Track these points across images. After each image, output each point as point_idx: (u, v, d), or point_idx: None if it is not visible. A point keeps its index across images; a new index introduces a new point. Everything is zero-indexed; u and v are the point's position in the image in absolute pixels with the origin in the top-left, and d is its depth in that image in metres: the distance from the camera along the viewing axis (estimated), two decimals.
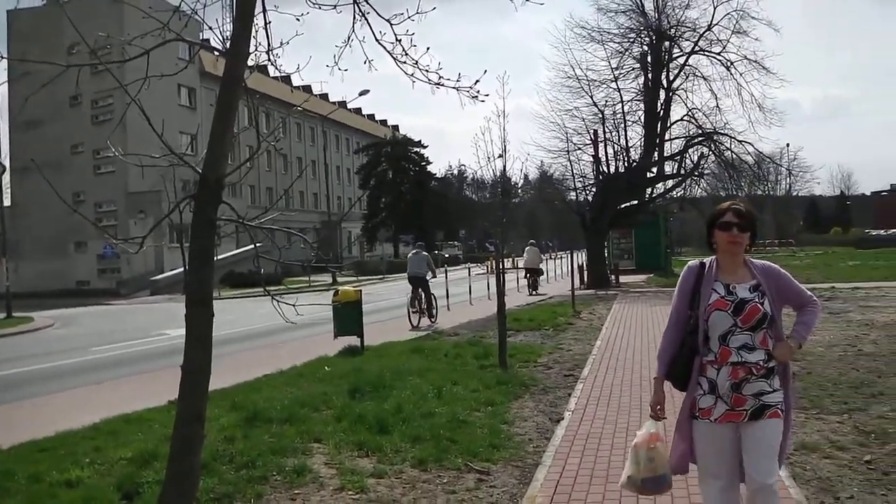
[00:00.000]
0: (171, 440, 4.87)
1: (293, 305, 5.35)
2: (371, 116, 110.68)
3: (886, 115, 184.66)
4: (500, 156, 13.67)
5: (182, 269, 4.86)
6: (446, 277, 24.37)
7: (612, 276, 36.25)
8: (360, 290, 16.42)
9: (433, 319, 21.93)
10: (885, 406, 8.88)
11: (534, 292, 32.25)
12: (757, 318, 4.25)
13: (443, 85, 5.47)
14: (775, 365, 4.34)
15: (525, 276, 34.12)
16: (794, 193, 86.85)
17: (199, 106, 63.62)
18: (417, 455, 7.45)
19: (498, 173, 14.37)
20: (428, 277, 22.05)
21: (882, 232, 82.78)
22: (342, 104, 70.30)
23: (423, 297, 21.88)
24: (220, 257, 33.88)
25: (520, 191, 50.58)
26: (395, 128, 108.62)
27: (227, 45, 4.84)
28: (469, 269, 33.37)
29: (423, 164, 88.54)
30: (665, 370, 4.53)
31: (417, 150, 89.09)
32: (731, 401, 4.28)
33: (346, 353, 14.50)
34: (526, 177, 62.86)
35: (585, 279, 35.23)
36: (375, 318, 22.09)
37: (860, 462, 6.89)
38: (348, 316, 15.45)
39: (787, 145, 39.27)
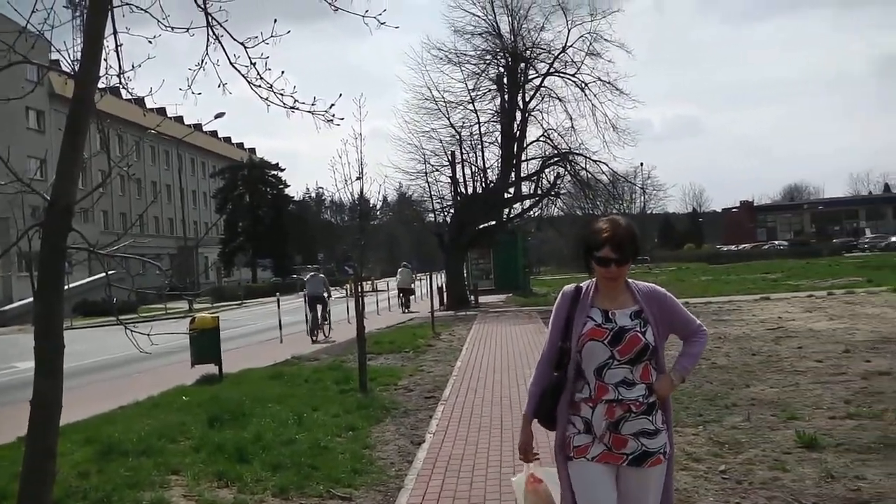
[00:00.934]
0: (21, 478, 4.68)
1: (147, 335, 5.23)
2: (228, 139, 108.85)
3: (733, 132, 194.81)
4: (358, 178, 13.70)
5: (31, 299, 4.69)
6: (306, 302, 24.23)
7: (472, 297, 36.74)
8: (218, 317, 16.13)
9: (328, 335, 24.20)
10: (738, 417, 9.30)
11: (407, 310, 33.81)
12: (637, 350, 3.77)
13: (297, 109, 5.48)
14: (657, 400, 3.86)
15: (399, 296, 35.53)
16: (649, 211, 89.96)
17: (48, 129, 60.84)
18: (279, 483, 7.36)
19: (356, 196, 14.35)
20: (326, 296, 24.65)
21: (733, 247, 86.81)
22: (197, 127, 68.98)
23: (319, 314, 24.30)
24: (71, 285, 32.62)
25: (378, 213, 50.74)
26: (253, 151, 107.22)
27: (76, 67, 4.73)
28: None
29: (281, 187, 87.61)
30: (534, 408, 4.05)
31: (275, 173, 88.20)
32: (610, 441, 3.81)
33: (204, 382, 14.18)
34: (385, 199, 63.22)
35: (445, 300, 35.59)
36: (234, 344, 21.78)
37: (715, 472, 7.18)
38: (206, 343, 15.12)
39: (641, 164, 41.06)
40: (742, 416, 9.32)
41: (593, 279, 3.97)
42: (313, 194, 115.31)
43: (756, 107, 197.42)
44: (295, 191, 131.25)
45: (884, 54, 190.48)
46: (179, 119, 66.29)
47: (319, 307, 24.27)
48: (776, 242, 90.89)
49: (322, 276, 25.50)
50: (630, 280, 3.95)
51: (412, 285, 36.85)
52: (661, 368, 3.89)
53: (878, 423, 8.56)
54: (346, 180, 13.60)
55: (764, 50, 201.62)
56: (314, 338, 23.44)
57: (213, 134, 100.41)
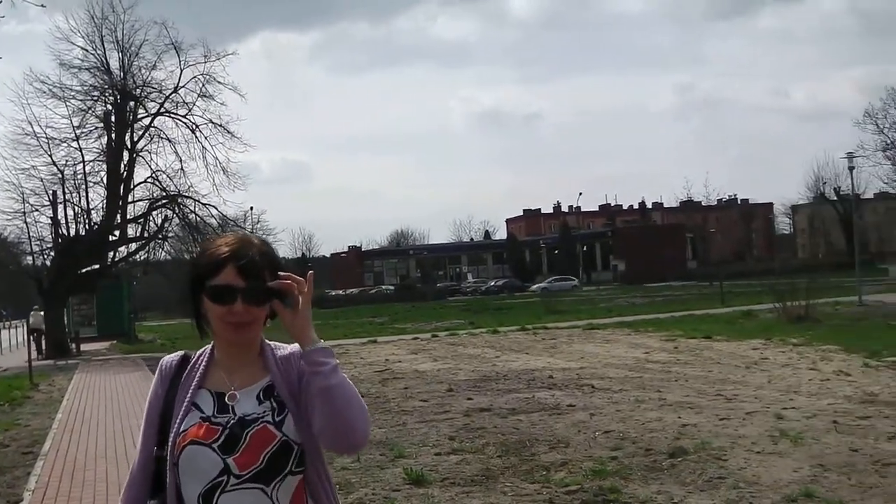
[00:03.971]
0: None
1: None
2: None
3: (342, 179, 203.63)
4: None
5: None
6: None
7: (73, 345, 35.68)
8: None
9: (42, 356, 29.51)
10: (348, 458, 9.17)
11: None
12: (269, 454, 2.27)
13: None
14: None
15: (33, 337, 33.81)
16: None
17: None
18: None
19: None
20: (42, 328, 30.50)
21: (341, 292, 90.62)
22: None
23: (41, 342, 30.05)
24: None
25: None
26: None
27: None
28: None
29: None
30: None
31: None
32: None
33: None
34: None
35: (44, 349, 34.32)
36: None
37: None
38: None
39: (251, 208, 42.10)
40: (352, 457, 9.20)
41: (210, 345, 2.49)
42: None
43: (363, 154, 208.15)
44: None
45: (478, 111, 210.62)
46: None
47: (41, 337, 29.53)
48: (383, 287, 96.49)
49: (42, 312, 28.84)
50: (270, 342, 2.49)
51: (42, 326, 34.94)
52: (319, 490, 2.41)
53: (480, 456, 9.49)
54: None
55: (369, 101, 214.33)
56: (33, 357, 24.24)
57: None
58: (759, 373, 15.27)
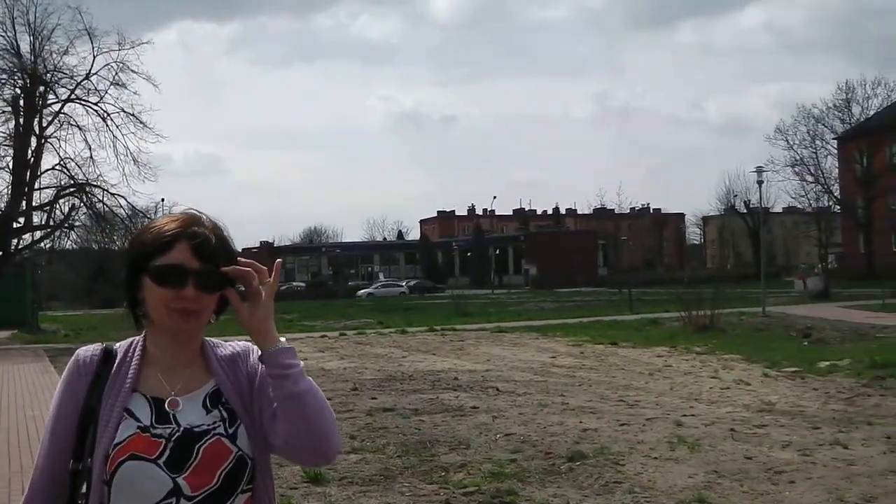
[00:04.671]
0: None
1: None
2: None
3: (255, 173, 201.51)
4: None
5: None
6: None
7: None
8: None
9: None
10: None
11: None
12: (224, 474, 1.97)
13: None
14: None
15: None
16: None
17: None
18: None
19: None
20: None
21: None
22: None
23: None
24: None
25: None
26: None
27: None
28: None
29: None
30: None
31: None
32: None
33: None
34: None
35: None
36: None
37: None
38: None
39: (163, 200, 41.34)
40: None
41: (139, 337, 2.12)
42: None
43: (279, 150, 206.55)
44: None
45: (396, 111, 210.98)
46: None
47: None
48: (294, 283, 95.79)
49: None
50: (208, 339, 2.15)
51: None
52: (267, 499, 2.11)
53: (380, 456, 9.51)
54: None
55: (288, 96, 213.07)
56: None
57: None
58: (661, 380, 15.55)
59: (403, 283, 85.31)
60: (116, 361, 2.05)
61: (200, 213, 2.09)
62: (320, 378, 17.06)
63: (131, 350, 2.08)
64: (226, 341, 2.18)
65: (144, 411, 1.99)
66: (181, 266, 1.96)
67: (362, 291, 79.37)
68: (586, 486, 7.94)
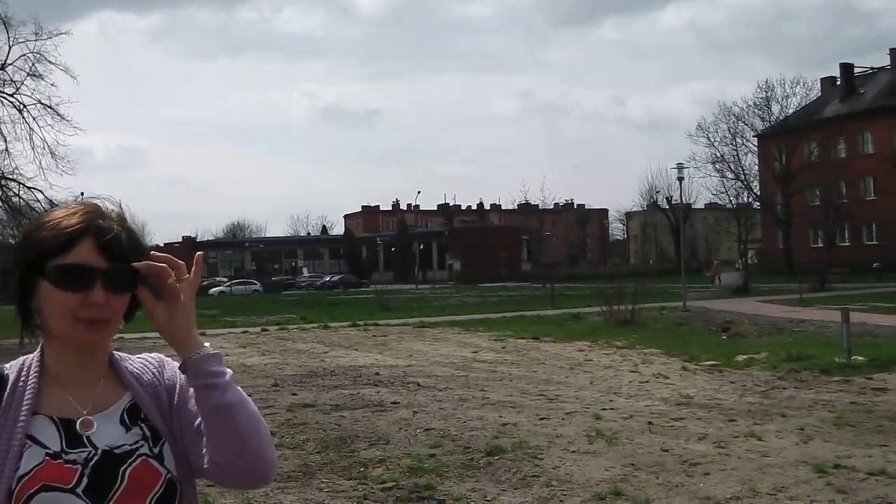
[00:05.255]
0: None
1: None
2: None
3: (178, 167, 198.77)
4: None
5: None
6: None
7: None
8: None
9: None
10: None
11: None
12: (154, 499, 1.74)
13: None
14: None
15: None
16: None
17: None
18: None
19: None
20: None
21: None
22: None
23: None
24: None
25: None
26: None
27: None
28: None
29: None
30: None
31: None
32: None
33: None
34: None
35: None
36: None
37: None
38: None
39: (82, 194, 40.09)
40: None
41: (36, 352, 1.83)
42: None
43: (202, 144, 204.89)
44: None
45: (320, 105, 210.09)
46: None
47: None
48: (217, 278, 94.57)
49: None
50: (116, 353, 1.89)
51: None
52: None
53: (299, 452, 9.46)
54: None
55: (211, 89, 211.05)
56: None
57: None
58: (582, 374, 15.72)
59: (257, 283, 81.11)
60: (10, 383, 1.76)
61: (103, 201, 1.83)
62: (241, 374, 16.84)
63: (25, 369, 1.79)
64: (125, 355, 1.92)
65: (51, 435, 1.71)
66: (88, 266, 1.70)
67: (214, 289, 75.33)
68: (504, 480, 7.99)
